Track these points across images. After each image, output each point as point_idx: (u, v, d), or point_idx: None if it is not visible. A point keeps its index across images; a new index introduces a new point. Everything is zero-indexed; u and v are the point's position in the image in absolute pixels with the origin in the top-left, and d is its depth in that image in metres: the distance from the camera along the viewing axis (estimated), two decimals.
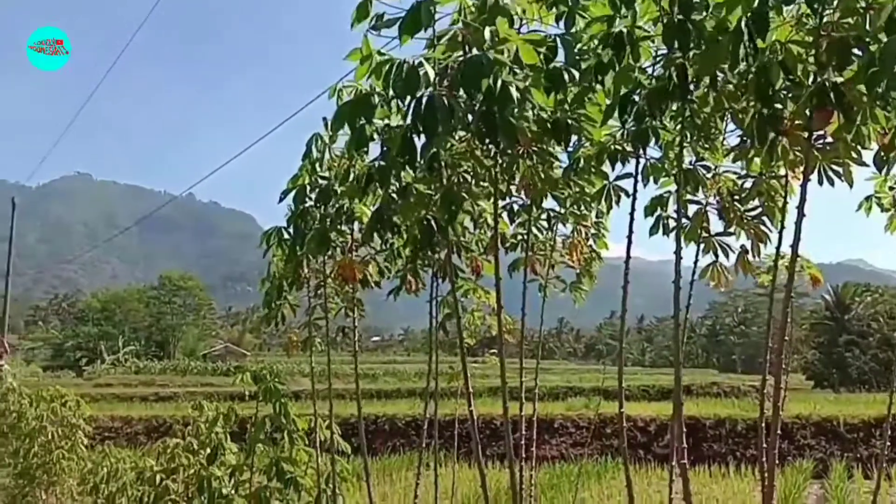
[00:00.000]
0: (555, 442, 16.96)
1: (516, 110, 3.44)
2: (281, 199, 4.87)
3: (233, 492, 5.83)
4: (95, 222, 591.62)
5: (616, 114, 3.62)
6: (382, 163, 3.92)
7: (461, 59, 3.32)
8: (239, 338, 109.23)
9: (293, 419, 5.47)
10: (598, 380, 38.31)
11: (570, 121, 3.73)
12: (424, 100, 3.32)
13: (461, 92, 3.37)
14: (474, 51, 3.28)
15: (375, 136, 4.04)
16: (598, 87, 3.63)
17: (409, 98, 3.44)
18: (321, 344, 5.46)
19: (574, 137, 3.95)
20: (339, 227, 4.80)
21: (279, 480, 5.34)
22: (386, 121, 3.91)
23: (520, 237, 4.80)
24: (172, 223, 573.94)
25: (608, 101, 3.67)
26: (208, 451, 6.02)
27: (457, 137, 3.82)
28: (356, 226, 4.93)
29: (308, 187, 4.84)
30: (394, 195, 4.13)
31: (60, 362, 65.31)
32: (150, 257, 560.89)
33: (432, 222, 3.77)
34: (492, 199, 4.08)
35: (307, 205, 4.82)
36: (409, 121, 3.56)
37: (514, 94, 3.27)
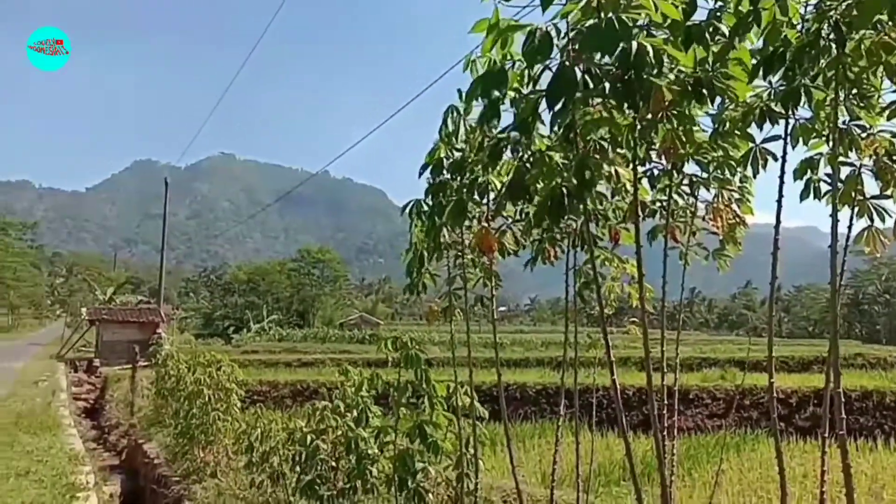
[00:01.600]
0: (690, 413, 16.54)
1: (654, 71, 3.34)
2: (420, 174, 4.95)
3: (378, 452, 6.07)
4: (239, 199, 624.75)
5: (761, 73, 3.45)
6: (515, 132, 3.91)
7: (593, 22, 3.25)
8: (372, 307, 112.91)
9: (433, 385, 5.62)
10: (731, 351, 36.89)
11: (712, 80, 3.57)
12: (555, 67, 3.28)
13: (595, 58, 3.31)
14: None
15: (509, 105, 4.02)
16: (741, 44, 3.47)
17: (539, 66, 3.42)
18: (460, 313, 5.55)
19: (717, 100, 3.79)
20: (474, 197, 4.83)
21: (422, 443, 5.50)
22: (520, 89, 3.89)
23: (659, 204, 4.67)
24: (308, 199, 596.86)
25: (754, 60, 3.51)
26: (355, 413, 6.29)
27: (591, 103, 3.74)
28: (492, 196, 4.94)
29: (445, 160, 4.90)
30: (527, 164, 4.11)
31: (210, 330, 69.26)
32: (289, 231, 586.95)
33: (565, 190, 3.73)
34: (630, 166, 3.99)
35: (445, 177, 4.88)
36: (539, 88, 3.55)
37: (651, 54, 3.18)
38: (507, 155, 4.17)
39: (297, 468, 6.75)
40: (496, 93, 3.63)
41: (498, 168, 4.59)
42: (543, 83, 3.52)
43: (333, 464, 6.56)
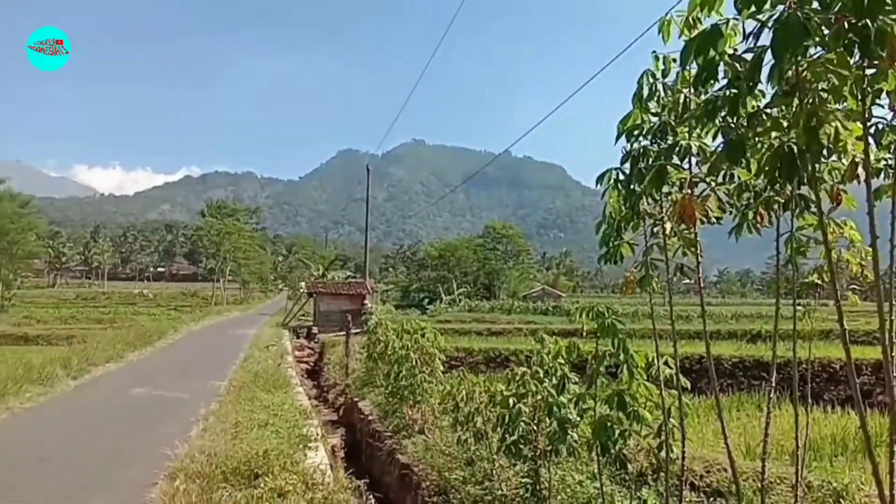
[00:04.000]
0: None
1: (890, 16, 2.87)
2: (616, 140, 4.69)
3: (577, 418, 5.91)
4: (429, 182, 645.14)
5: None
6: (731, 90, 3.55)
7: None
8: (554, 280, 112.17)
9: (632, 354, 5.35)
10: None
11: None
12: (777, 17, 2.92)
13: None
14: None
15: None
16: None
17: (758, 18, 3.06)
18: (658, 283, 5.21)
19: None
20: (674, 162, 4.48)
21: (621, 411, 5.26)
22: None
23: (884, 162, 4.08)
24: (491, 178, 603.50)
25: None
26: (553, 380, 6.16)
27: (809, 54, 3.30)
28: (693, 161, 4.56)
29: (642, 126, 4.60)
30: (742, 124, 3.73)
31: (407, 302, 72.07)
32: (475, 210, 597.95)
33: (792, 149, 3.31)
34: (857, 121, 3.50)
35: (642, 143, 4.59)
36: (759, 42, 3.18)
37: None
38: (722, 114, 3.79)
39: (500, 429, 6.75)
40: (712, 52, 3.29)
41: (698, 131, 4.24)
42: (761, 39, 3.15)
43: (534, 426, 6.48)
